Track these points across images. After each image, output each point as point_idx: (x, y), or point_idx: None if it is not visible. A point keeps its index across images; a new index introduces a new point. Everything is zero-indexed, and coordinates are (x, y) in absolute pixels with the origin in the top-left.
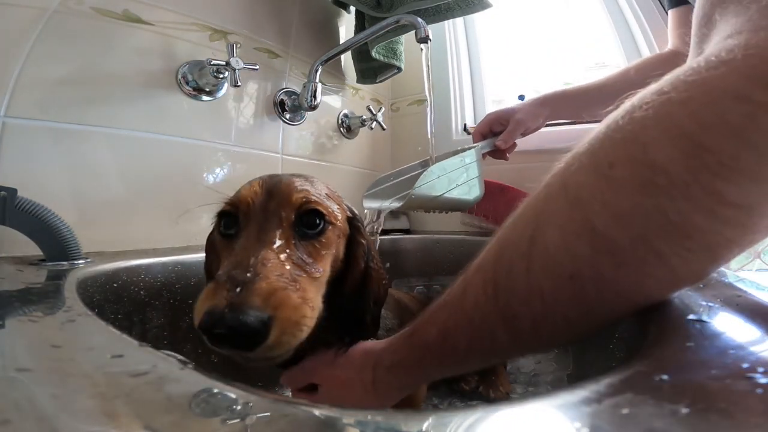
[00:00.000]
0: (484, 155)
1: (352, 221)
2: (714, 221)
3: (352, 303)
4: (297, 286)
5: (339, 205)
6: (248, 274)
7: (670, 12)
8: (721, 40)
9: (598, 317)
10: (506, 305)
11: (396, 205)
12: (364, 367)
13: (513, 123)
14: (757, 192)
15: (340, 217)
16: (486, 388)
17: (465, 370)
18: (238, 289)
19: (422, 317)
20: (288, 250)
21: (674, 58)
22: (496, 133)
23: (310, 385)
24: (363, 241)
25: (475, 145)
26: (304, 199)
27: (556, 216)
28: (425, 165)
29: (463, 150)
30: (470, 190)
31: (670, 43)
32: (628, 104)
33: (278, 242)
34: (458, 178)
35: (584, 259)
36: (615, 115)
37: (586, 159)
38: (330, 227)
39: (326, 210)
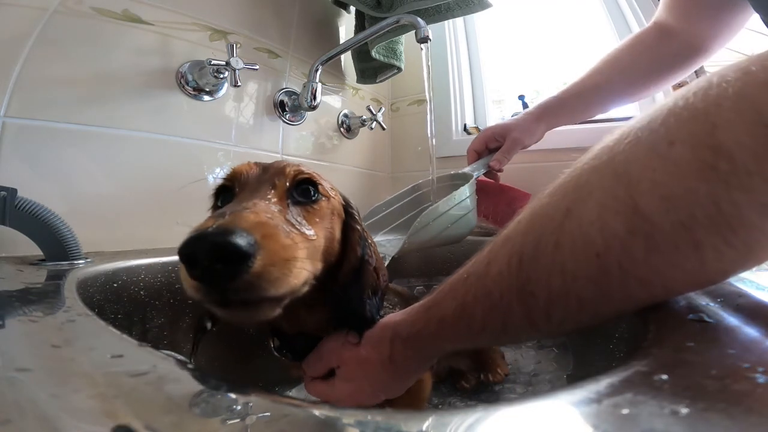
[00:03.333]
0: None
1: (347, 208)
2: (765, 217)
3: (349, 291)
4: (289, 234)
5: (333, 188)
6: (237, 210)
7: None
8: None
9: (611, 304)
10: (527, 280)
11: (393, 253)
12: (381, 341)
13: (509, 141)
14: None
15: (334, 195)
16: (485, 373)
17: (476, 346)
18: (223, 218)
19: (441, 289)
20: (280, 207)
21: (662, 34)
22: (492, 149)
23: (328, 372)
24: (358, 227)
25: (470, 173)
26: (297, 171)
27: (598, 190)
28: (416, 190)
29: (458, 177)
30: (466, 224)
31: (657, 14)
32: (703, 80)
33: (271, 198)
34: (454, 217)
35: (617, 239)
36: (686, 90)
37: (644, 134)
38: (324, 199)
39: (320, 182)
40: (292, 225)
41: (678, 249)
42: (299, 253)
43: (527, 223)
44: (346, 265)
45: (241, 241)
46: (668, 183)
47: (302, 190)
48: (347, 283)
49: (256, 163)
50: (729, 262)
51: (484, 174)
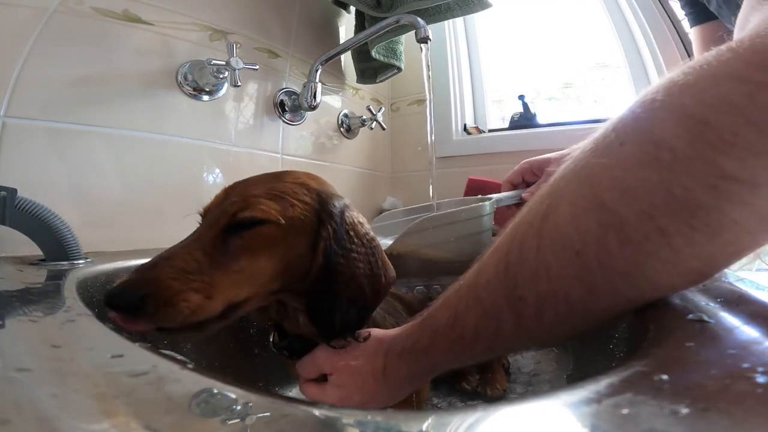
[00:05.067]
0: (509, 207)
1: (320, 215)
2: (716, 197)
3: (317, 302)
4: (195, 278)
5: (297, 202)
6: (144, 267)
7: (693, 30)
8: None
9: (600, 301)
10: (514, 286)
11: (386, 242)
12: (376, 355)
13: (546, 176)
14: (759, 167)
15: (292, 214)
16: (483, 386)
17: (472, 361)
18: (132, 276)
19: (436, 302)
20: (208, 248)
21: None
22: (529, 183)
23: (321, 375)
24: (324, 233)
25: (490, 196)
26: (236, 208)
27: (568, 193)
28: (431, 208)
29: (485, 200)
30: (479, 243)
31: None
32: (643, 91)
33: (201, 241)
34: (463, 231)
35: (591, 234)
36: (633, 102)
37: (600, 140)
38: (266, 226)
39: (262, 214)
40: (217, 262)
41: (648, 238)
42: (190, 296)
43: (511, 231)
44: (310, 275)
45: (130, 296)
46: (624, 177)
47: (241, 223)
48: (316, 291)
49: (225, 191)
50: (700, 247)
51: (516, 204)
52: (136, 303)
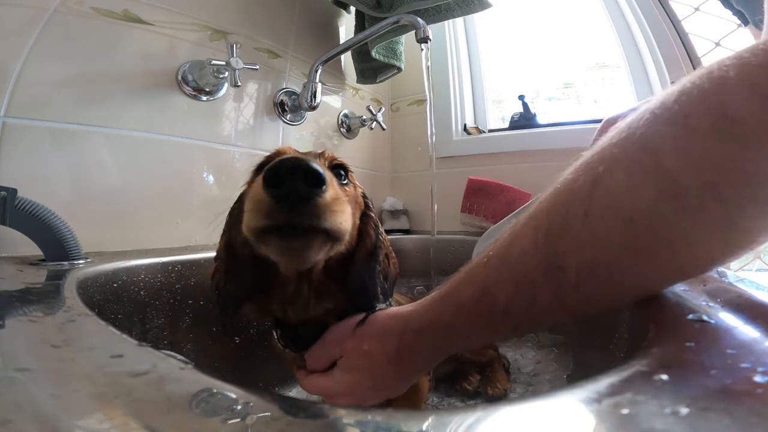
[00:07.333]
0: None
1: (364, 198)
2: None
3: (364, 275)
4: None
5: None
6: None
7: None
8: None
9: (641, 271)
10: (554, 254)
11: None
12: (390, 334)
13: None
14: None
15: (358, 184)
16: (484, 385)
17: (495, 339)
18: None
19: (457, 276)
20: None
21: None
22: None
23: (331, 365)
24: (372, 214)
25: None
26: (332, 156)
27: (624, 160)
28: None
29: None
30: None
31: None
32: (704, 68)
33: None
34: None
35: (647, 201)
36: (690, 76)
37: (659, 111)
38: (351, 185)
39: (350, 169)
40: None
41: (705, 208)
42: (349, 212)
43: (551, 199)
44: (363, 249)
45: (320, 168)
46: (690, 146)
47: (335, 173)
48: (363, 267)
49: (288, 148)
50: (750, 220)
51: None
52: (323, 176)
